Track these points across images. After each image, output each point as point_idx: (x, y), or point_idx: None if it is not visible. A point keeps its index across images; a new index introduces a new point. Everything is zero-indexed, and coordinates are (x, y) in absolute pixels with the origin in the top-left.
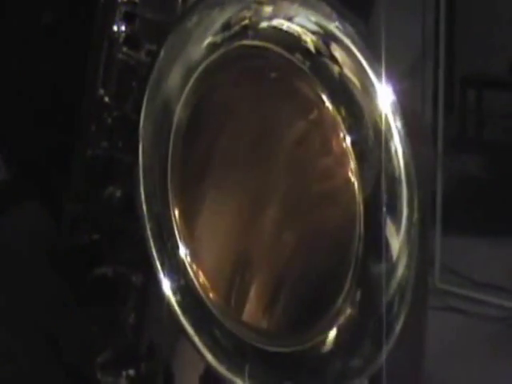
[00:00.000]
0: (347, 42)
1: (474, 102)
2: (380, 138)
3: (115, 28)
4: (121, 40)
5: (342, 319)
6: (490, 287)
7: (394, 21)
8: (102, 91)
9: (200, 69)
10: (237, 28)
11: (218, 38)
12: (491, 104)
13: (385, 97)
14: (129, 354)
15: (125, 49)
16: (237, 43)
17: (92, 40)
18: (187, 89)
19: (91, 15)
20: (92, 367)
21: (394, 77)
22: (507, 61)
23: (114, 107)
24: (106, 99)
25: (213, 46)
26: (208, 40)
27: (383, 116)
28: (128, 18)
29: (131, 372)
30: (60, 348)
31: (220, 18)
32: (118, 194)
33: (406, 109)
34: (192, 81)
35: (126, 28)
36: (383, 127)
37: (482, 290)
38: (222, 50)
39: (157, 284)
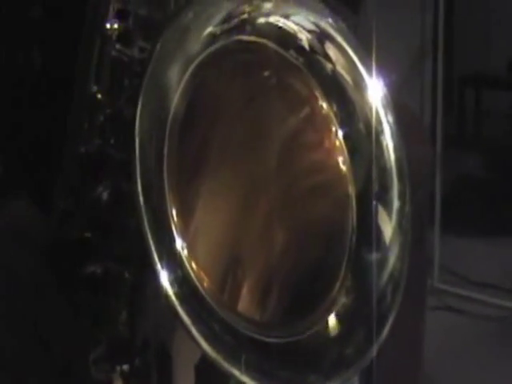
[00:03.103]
0: (341, 40)
1: (472, 102)
2: (371, 132)
3: (108, 25)
4: (114, 37)
5: (336, 309)
6: (488, 287)
7: (392, 20)
8: (94, 88)
9: (197, 61)
10: (236, 21)
11: (218, 30)
12: (490, 103)
13: (375, 90)
14: (122, 350)
15: (118, 46)
16: (234, 37)
17: (84, 37)
18: (183, 82)
19: (83, 11)
20: (85, 363)
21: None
22: (506, 60)
23: (106, 104)
24: (99, 96)
25: (212, 37)
26: (209, 30)
27: (374, 108)
28: (121, 15)
29: (125, 367)
30: (51, 345)
31: (220, 11)
32: (110, 190)
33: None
34: (188, 74)
35: (118, 25)
36: (373, 119)
37: (481, 289)
38: (219, 44)
39: (151, 278)
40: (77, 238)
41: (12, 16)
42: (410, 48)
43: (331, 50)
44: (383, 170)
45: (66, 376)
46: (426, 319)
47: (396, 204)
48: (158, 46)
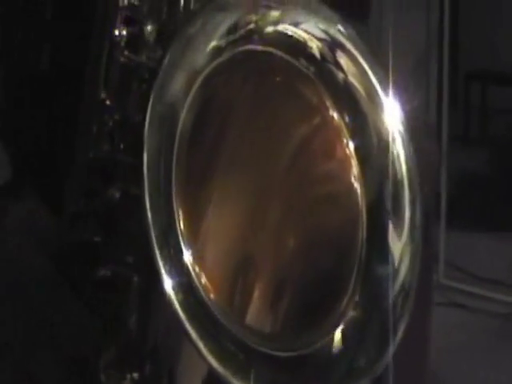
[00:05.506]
0: (351, 47)
1: (478, 98)
2: (383, 144)
3: (116, 32)
4: (122, 43)
5: (345, 321)
6: (493, 283)
7: (398, 17)
8: (103, 94)
9: (204, 73)
10: (242, 32)
11: (223, 42)
12: (495, 99)
13: (392, 112)
14: (133, 356)
15: (126, 52)
16: (241, 48)
17: (93, 43)
18: (192, 93)
19: (91, 17)
20: (95, 368)
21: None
22: (511, 56)
23: (115, 110)
24: (108, 102)
25: (217, 50)
26: (213, 43)
27: (390, 132)
28: (129, 22)
29: (135, 375)
30: (61, 348)
31: (225, 22)
32: (119, 195)
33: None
34: (197, 85)
35: (127, 31)
36: (390, 139)
37: (486, 285)
38: (226, 55)
39: (159, 284)
40: (87, 241)
41: (22, 19)
42: (416, 44)
43: (342, 59)
44: (394, 180)
45: (76, 380)
46: (432, 315)
47: (407, 214)
48: (167, 56)
